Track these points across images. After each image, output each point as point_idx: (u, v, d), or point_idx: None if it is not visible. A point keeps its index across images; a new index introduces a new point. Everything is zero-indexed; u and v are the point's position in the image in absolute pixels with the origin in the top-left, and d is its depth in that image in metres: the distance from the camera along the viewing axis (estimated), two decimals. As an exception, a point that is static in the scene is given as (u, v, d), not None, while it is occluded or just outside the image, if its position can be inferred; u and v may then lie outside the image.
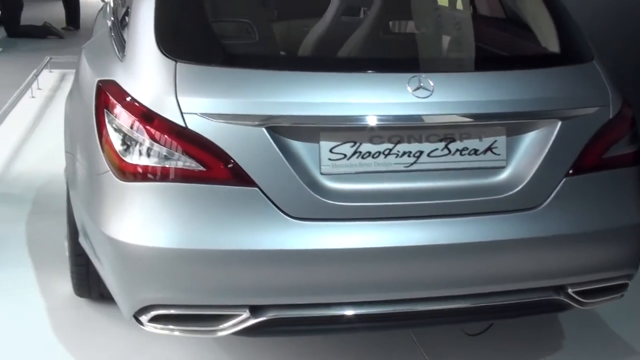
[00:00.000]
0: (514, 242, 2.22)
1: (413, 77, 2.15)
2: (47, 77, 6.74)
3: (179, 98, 2.09)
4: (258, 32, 2.56)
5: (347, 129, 2.13)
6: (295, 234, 2.10)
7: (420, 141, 2.18)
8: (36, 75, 6.27)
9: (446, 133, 2.19)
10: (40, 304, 3.00)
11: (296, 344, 2.72)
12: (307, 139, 2.13)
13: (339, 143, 2.14)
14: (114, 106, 2.19)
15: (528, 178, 2.23)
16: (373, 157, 2.16)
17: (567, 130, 2.25)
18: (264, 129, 2.08)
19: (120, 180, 2.13)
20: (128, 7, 2.80)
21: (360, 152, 2.15)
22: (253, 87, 2.12)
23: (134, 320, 2.24)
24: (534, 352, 2.78)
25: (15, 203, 4.03)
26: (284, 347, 2.71)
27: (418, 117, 2.14)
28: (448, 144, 2.19)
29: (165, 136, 2.09)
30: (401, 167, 2.18)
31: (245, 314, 2.14)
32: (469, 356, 2.71)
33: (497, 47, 2.64)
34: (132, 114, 2.13)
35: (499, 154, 2.23)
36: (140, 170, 2.11)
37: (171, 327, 2.20)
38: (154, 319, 2.19)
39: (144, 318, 2.20)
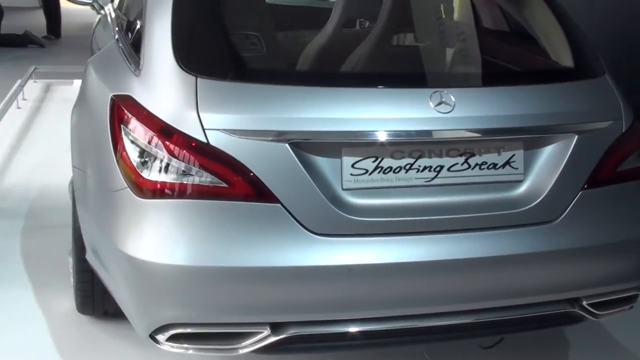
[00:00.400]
0: (532, 255, 2.23)
1: (435, 92, 2.16)
2: (32, 88, 6.66)
3: (200, 114, 2.07)
4: (276, 46, 2.55)
5: (369, 144, 2.13)
6: (317, 250, 2.09)
7: (440, 156, 2.18)
8: (21, 86, 6.18)
9: (466, 147, 2.20)
10: (41, 322, 2.94)
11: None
12: (329, 154, 2.12)
13: (361, 158, 2.14)
14: (131, 122, 2.16)
15: (545, 192, 2.24)
16: (394, 172, 2.16)
17: (583, 144, 2.27)
18: (287, 145, 2.07)
19: (139, 197, 2.10)
20: (135, 20, 2.77)
21: (381, 167, 2.15)
22: (275, 103, 2.10)
23: (149, 339, 2.21)
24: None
25: (9, 217, 3.96)
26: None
27: (440, 132, 2.15)
28: (468, 158, 2.20)
29: (187, 152, 2.06)
30: (422, 182, 2.18)
31: (266, 332, 2.12)
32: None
33: (513, 63, 2.67)
34: (152, 130, 2.11)
35: (517, 168, 2.25)
36: (160, 187, 2.08)
37: (190, 345, 2.17)
38: (172, 338, 2.16)
39: (161, 337, 2.17)
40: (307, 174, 2.08)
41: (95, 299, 2.82)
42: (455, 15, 2.72)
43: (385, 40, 2.68)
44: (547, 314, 2.34)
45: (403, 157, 2.16)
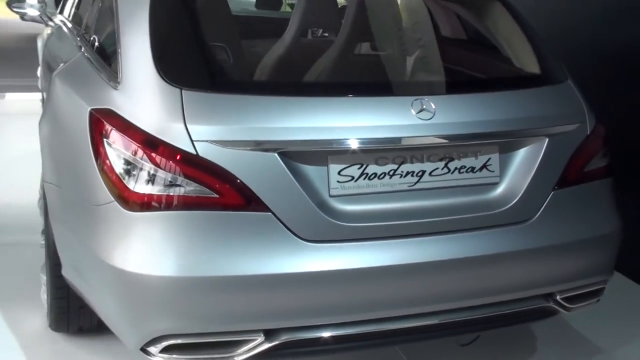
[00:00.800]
0: (511, 254, 2.33)
1: (416, 99, 2.24)
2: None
3: (188, 126, 2.09)
4: (256, 57, 2.58)
5: (355, 152, 2.19)
6: (308, 257, 2.13)
7: (422, 161, 2.26)
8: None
9: (445, 152, 2.29)
10: (11, 341, 2.87)
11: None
12: (316, 162, 2.17)
13: (346, 165, 2.19)
14: (115, 135, 2.16)
15: (520, 193, 2.35)
16: (379, 178, 2.22)
17: (553, 146, 2.39)
18: (276, 154, 2.11)
19: (128, 210, 2.10)
20: (103, 32, 2.76)
21: (367, 174, 2.21)
22: (262, 114, 2.14)
23: (141, 352, 2.20)
24: (511, 354, 2.92)
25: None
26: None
27: (422, 139, 2.22)
28: (448, 162, 2.29)
29: (176, 164, 2.07)
30: (405, 187, 2.25)
31: (260, 339, 2.15)
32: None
33: (484, 70, 2.77)
34: (138, 143, 2.11)
35: (493, 171, 2.35)
36: (150, 199, 2.08)
37: (183, 356, 2.18)
38: (165, 350, 2.16)
39: (153, 349, 2.16)
40: (296, 182, 2.12)
41: (71, 315, 2.79)
42: (419, 26, 2.80)
43: (359, 49, 2.74)
44: (524, 310, 2.44)
45: (387, 164, 2.23)
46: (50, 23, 4.72)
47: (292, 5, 5.70)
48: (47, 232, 2.73)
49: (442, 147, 2.28)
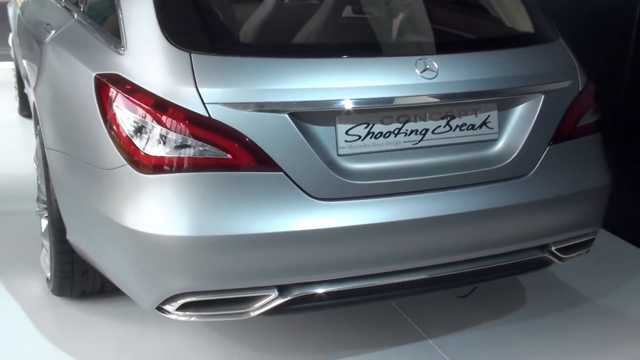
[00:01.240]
0: (510, 207, 2.42)
1: (419, 59, 2.29)
2: None
3: (199, 89, 2.12)
4: (265, 18, 2.60)
5: (361, 112, 2.24)
6: (319, 214, 2.19)
7: (425, 120, 2.33)
8: None
9: (447, 111, 2.36)
10: (14, 307, 2.89)
11: (284, 324, 2.81)
12: (325, 122, 2.22)
13: (353, 125, 2.25)
14: (126, 100, 2.18)
15: (518, 148, 2.44)
16: (384, 136, 2.29)
17: (549, 102, 2.48)
18: (286, 115, 2.15)
19: (142, 173, 2.13)
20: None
21: (373, 133, 2.27)
22: (272, 75, 2.17)
23: (156, 311, 2.26)
24: (503, 304, 3.04)
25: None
26: (273, 325, 2.80)
27: (426, 97, 2.29)
28: (449, 120, 2.36)
29: (190, 127, 2.11)
30: (409, 145, 2.32)
31: (274, 294, 2.22)
32: (451, 316, 2.91)
33: (481, 30, 2.84)
34: (150, 107, 2.13)
35: (492, 128, 2.43)
36: (164, 161, 2.12)
37: (200, 313, 2.24)
38: (181, 307, 2.22)
39: (170, 308, 2.22)
40: (306, 142, 2.18)
41: (75, 280, 2.82)
42: None
43: (362, 11, 2.78)
44: (522, 261, 2.55)
45: (392, 122, 2.29)
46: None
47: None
48: (49, 198, 2.73)
49: (444, 106, 2.35)
